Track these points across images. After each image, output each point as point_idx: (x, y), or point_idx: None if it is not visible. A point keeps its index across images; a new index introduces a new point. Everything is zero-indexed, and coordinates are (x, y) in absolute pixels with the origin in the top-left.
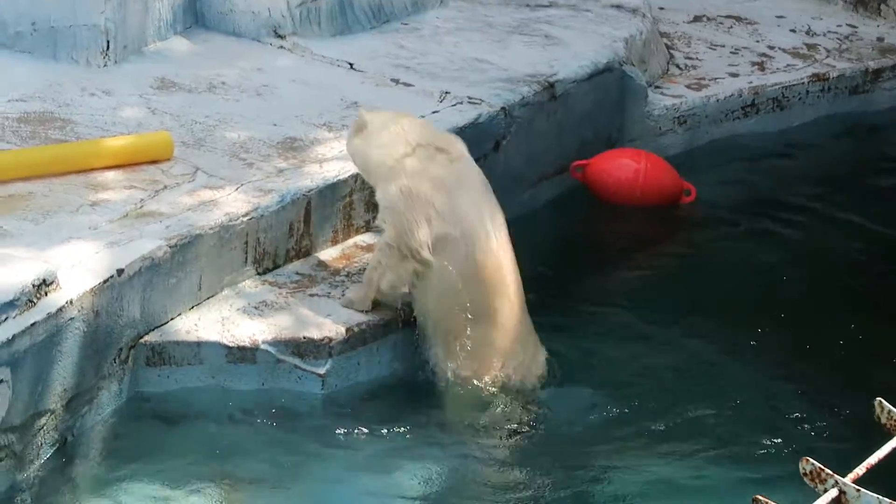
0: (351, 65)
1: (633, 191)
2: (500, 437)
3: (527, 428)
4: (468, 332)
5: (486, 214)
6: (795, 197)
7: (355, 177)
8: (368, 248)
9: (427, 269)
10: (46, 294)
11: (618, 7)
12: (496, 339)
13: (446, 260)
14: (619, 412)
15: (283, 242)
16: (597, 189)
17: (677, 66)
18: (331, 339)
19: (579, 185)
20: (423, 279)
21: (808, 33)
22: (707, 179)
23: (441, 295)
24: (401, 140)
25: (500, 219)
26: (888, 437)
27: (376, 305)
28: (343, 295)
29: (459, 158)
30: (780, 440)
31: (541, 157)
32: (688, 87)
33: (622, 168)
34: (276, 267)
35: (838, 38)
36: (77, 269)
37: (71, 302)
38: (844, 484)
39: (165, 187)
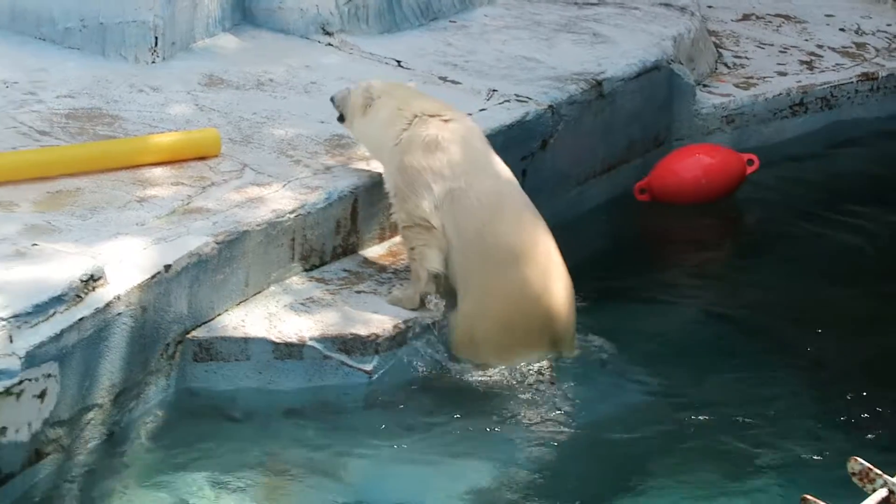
0: (398, 62)
1: (700, 192)
2: (545, 434)
3: (570, 426)
4: (499, 276)
5: (489, 162)
6: (843, 197)
7: None
8: None
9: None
10: (94, 289)
11: (666, 5)
12: (528, 275)
13: (459, 213)
14: (661, 412)
15: (330, 239)
16: (668, 201)
17: (725, 64)
18: (377, 336)
19: (627, 183)
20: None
21: (857, 32)
22: (754, 178)
23: (465, 247)
24: (400, 116)
25: (503, 167)
26: None
27: (423, 302)
28: (390, 292)
29: (454, 118)
30: (827, 441)
31: (588, 155)
32: (736, 85)
33: (680, 178)
34: (322, 264)
35: (888, 38)
36: (124, 264)
37: (118, 297)
38: (894, 484)
39: (213, 184)
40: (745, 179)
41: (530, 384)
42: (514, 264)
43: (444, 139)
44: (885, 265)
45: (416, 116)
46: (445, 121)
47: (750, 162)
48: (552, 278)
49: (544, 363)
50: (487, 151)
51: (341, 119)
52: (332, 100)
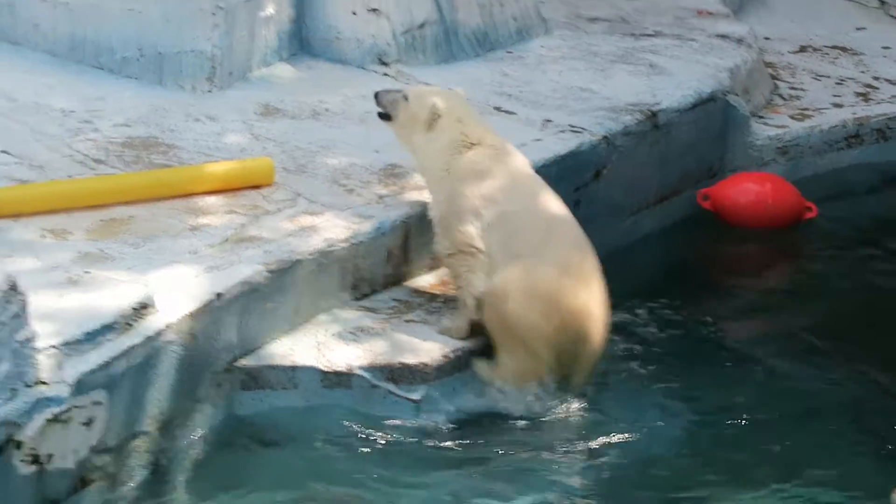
0: None
1: (759, 213)
2: (594, 466)
3: (616, 457)
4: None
5: (542, 188)
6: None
7: None
8: None
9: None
10: (144, 317)
11: (723, 37)
12: (569, 288)
13: (511, 235)
14: (700, 441)
15: (381, 268)
16: (725, 214)
17: (781, 96)
18: (426, 366)
19: (680, 214)
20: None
21: None
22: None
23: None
24: (461, 143)
25: (555, 196)
26: None
27: (473, 332)
28: (439, 322)
29: (507, 150)
30: (874, 468)
31: (641, 186)
32: (791, 117)
33: (747, 192)
34: (372, 292)
35: None
36: (175, 292)
37: (168, 325)
38: None
39: (266, 213)
40: (800, 222)
41: (576, 414)
42: (557, 278)
43: (497, 168)
44: None
45: (473, 144)
46: (497, 151)
47: (809, 209)
48: (592, 300)
49: (588, 390)
50: (539, 180)
51: (385, 117)
52: (376, 95)
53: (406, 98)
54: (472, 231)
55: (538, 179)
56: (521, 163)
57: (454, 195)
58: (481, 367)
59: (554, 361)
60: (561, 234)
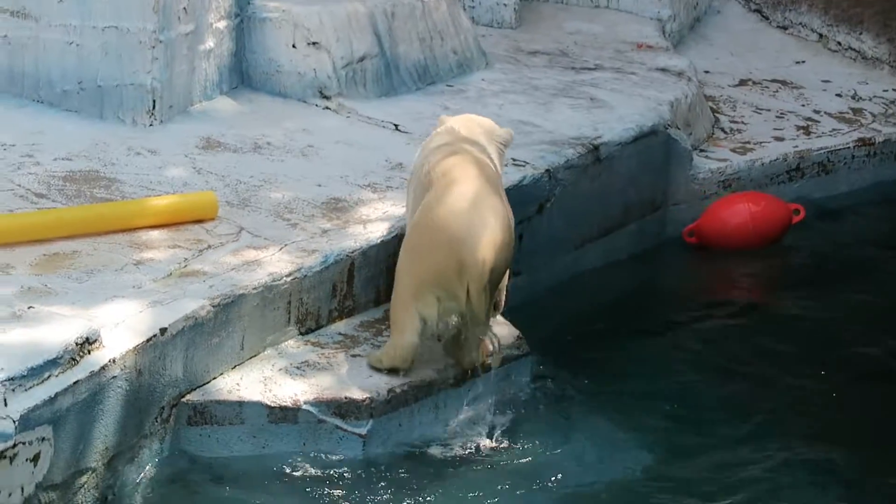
0: (396, 126)
1: (749, 233)
2: (543, 495)
3: (564, 486)
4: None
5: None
6: (838, 262)
7: (400, 238)
8: None
9: None
10: (89, 352)
11: (663, 70)
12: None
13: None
14: (657, 470)
15: (326, 303)
16: (714, 244)
17: (722, 129)
18: (372, 400)
19: (623, 248)
20: None
21: (854, 98)
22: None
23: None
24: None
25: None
26: None
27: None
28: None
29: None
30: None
31: (585, 219)
32: (733, 150)
33: (734, 216)
34: (318, 327)
35: (884, 103)
36: (120, 327)
37: (114, 360)
38: None
39: (209, 247)
40: (789, 228)
41: (530, 447)
42: (442, 190)
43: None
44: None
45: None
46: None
47: (796, 212)
48: (478, 202)
49: (527, 426)
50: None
51: None
52: None
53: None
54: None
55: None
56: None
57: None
58: (368, 354)
59: (443, 299)
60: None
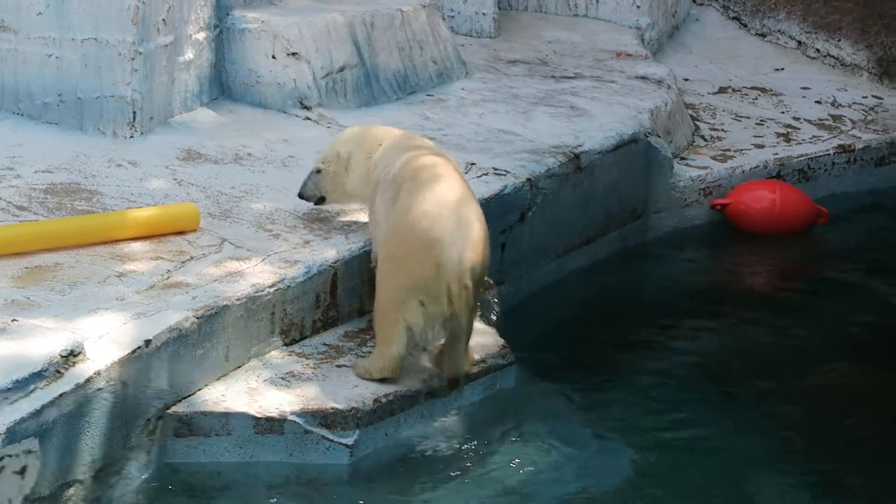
0: None
1: (771, 220)
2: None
3: (555, 490)
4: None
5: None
6: (820, 269)
7: None
8: None
9: None
10: (74, 365)
11: (643, 78)
12: (427, 219)
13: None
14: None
15: (310, 313)
16: (738, 222)
17: (703, 137)
18: (358, 410)
19: (605, 256)
20: None
21: (833, 104)
22: (733, 251)
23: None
24: (366, 157)
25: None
26: None
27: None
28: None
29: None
30: None
31: (566, 228)
32: (713, 158)
33: (759, 199)
34: (302, 338)
35: (864, 110)
36: (104, 339)
37: (98, 373)
38: None
39: (192, 258)
40: (813, 227)
41: (517, 455)
42: (413, 193)
43: (397, 150)
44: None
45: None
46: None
47: (820, 215)
48: (455, 207)
49: (517, 430)
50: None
51: (321, 200)
52: (301, 196)
53: (319, 171)
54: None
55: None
56: (420, 141)
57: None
58: (355, 362)
59: (426, 304)
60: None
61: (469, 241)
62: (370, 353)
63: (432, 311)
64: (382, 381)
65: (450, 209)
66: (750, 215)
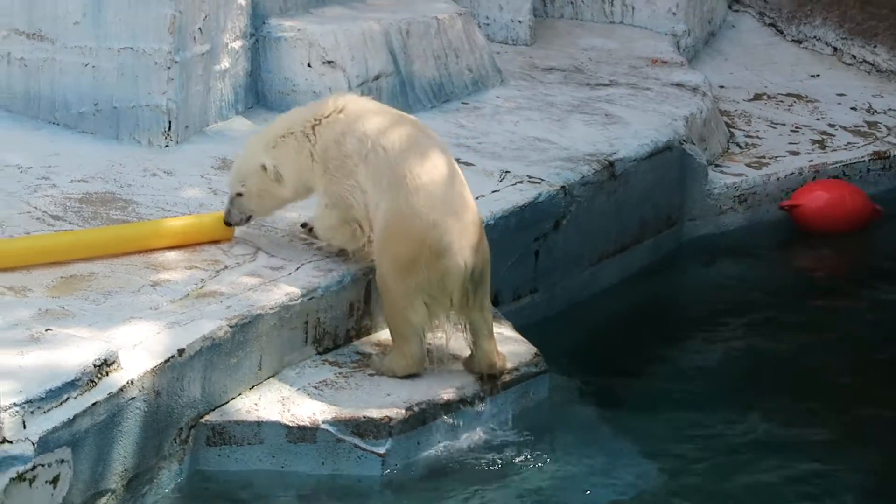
0: None
1: (841, 219)
2: None
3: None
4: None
5: (395, 119)
6: (857, 276)
7: None
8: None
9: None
10: (108, 374)
11: (678, 85)
12: (425, 213)
13: (374, 167)
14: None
15: (343, 322)
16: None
17: (737, 144)
18: (391, 419)
19: (639, 264)
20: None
21: (868, 111)
22: (768, 258)
23: (381, 196)
24: (300, 148)
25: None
26: None
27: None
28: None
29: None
30: None
31: (601, 235)
32: (748, 165)
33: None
34: (336, 346)
35: None
36: (138, 349)
37: (132, 382)
38: None
39: (226, 267)
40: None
41: (549, 464)
42: (416, 191)
43: (346, 129)
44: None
45: (316, 126)
46: (339, 112)
47: (877, 211)
48: (459, 211)
49: (549, 437)
50: (391, 111)
51: (247, 220)
52: (227, 223)
53: (240, 194)
54: (358, 208)
55: (390, 111)
56: (367, 104)
57: (327, 170)
58: (373, 360)
59: (430, 304)
60: (418, 148)
61: (472, 246)
62: (391, 352)
63: (435, 310)
64: (407, 377)
65: (456, 214)
66: (821, 215)
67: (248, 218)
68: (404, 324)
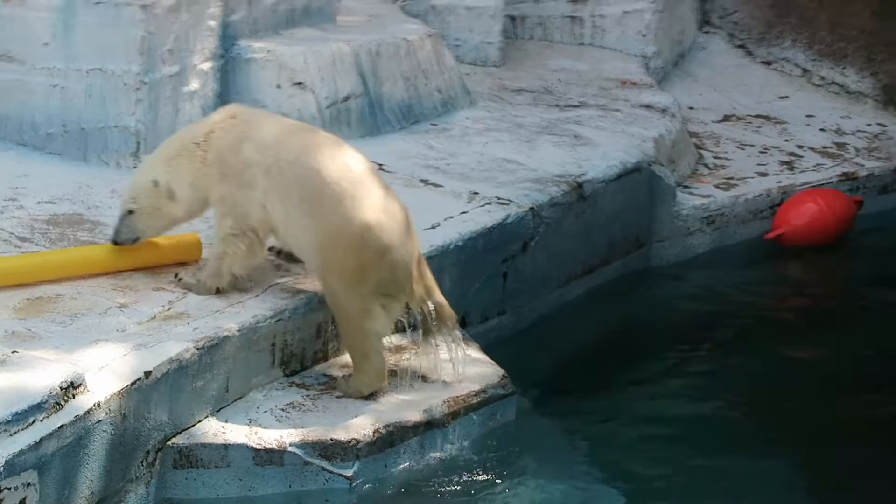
0: (381, 165)
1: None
2: None
3: None
4: (330, 214)
5: (290, 127)
6: (822, 296)
7: None
8: (397, 348)
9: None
10: (74, 397)
11: (648, 107)
12: (358, 219)
13: (280, 182)
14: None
15: (311, 344)
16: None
17: (706, 165)
18: (358, 441)
19: (607, 285)
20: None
21: (837, 132)
22: (736, 279)
23: (294, 209)
24: (193, 159)
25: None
26: None
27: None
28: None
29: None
30: None
31: (569, 257)
32: (717, 186)
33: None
34: (303, 368)
35: (868, 137)
36: (104, 371)
37: (98, 405)
38: None
39: None
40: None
41: (517, 486)
42: (341, 200)
43: (243, 135)
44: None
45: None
46: (236, 119)
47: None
48: (385, 203)
49: (517, 458)
50: (281, 119)
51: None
52: (116, 242)
53: (131, 212)
54: (254, 213)
55: (280, 119)
56: (257, 115)
57: (224, 176)
58: (339, 382)
59: (387, 305)
60: (323, 149)
61: (407, 232)
62: (354, 374)
63: (393, 309)
64: (372, 395)
65: (384, 208)
66: (807, 232)
67: (137, 239)
68: (362, 338)
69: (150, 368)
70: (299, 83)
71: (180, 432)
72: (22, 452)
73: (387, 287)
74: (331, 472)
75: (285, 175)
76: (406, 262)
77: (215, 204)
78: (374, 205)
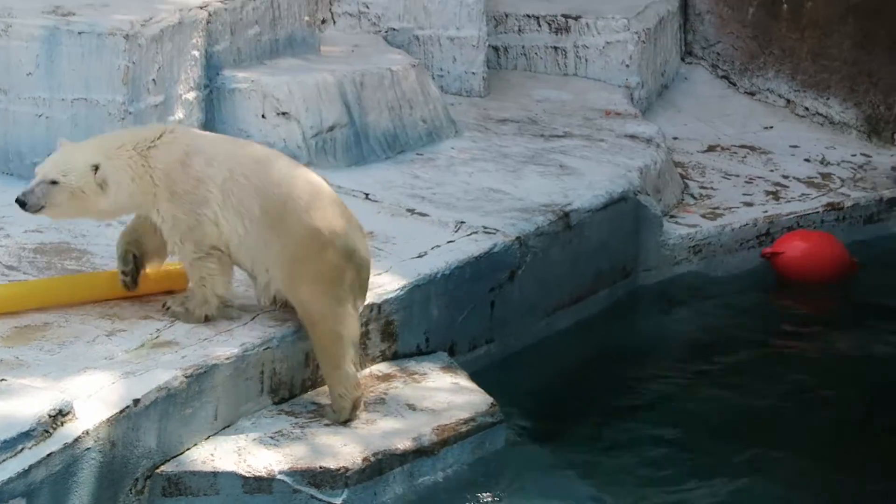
0: (366, 195)
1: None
2: None
3: None
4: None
5: (236, 142)
6: (809, 324)
7: (370, 307)
8: (385, 377)
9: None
10: (62, 424)
11: (632, 137)
12: (325, 224)
13: (237, 198)
14: None
15: (300, 372)
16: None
17: (692, 195)
18: (347, 469)
19: (594, 315)
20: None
21: (822, 162)
22: (723, 309)
23: (253, 225)
24: (136, 166)
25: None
26: None
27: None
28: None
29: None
30: None
31: (556, 286)
32: (703, 216)
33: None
34: (292, 396)
35: (852, 168)
36: (93, 399)
37: (87, 432)
38: None
39: None
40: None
41: None
42: (306, 210)
43: (189, 149)
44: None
45: (151, 148)
46: (177, 134)
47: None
48: (342, 208)
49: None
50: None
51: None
52: (23, 204)
53: (56, 182)
54: (210, 231)
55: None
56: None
57: (175, 197)
58: (327, 410)
59: (355, 306)
60: (278, 167)
61: (360, 233)
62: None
63: (357, 309)
64: (354, 409)
65: (344, 215)
66: (801, 264)
67: (41, 208)
68: (337, 343)
69: (139, 396)
70: (284, 113)
71: (169, 460)
72: (10, 480)
73: (356, 287)
74: (320, 500)
75: (243, 188)
76: (368, 262)
77: (164, 223)
78: (335, 210)
